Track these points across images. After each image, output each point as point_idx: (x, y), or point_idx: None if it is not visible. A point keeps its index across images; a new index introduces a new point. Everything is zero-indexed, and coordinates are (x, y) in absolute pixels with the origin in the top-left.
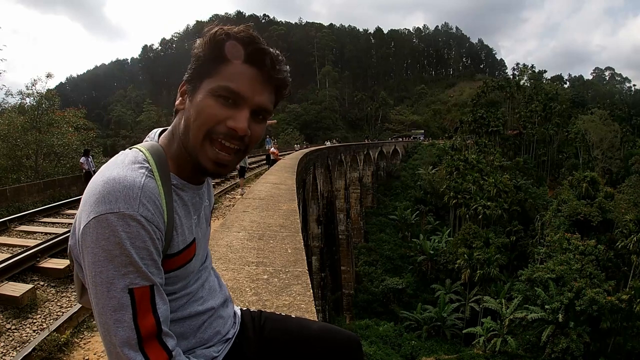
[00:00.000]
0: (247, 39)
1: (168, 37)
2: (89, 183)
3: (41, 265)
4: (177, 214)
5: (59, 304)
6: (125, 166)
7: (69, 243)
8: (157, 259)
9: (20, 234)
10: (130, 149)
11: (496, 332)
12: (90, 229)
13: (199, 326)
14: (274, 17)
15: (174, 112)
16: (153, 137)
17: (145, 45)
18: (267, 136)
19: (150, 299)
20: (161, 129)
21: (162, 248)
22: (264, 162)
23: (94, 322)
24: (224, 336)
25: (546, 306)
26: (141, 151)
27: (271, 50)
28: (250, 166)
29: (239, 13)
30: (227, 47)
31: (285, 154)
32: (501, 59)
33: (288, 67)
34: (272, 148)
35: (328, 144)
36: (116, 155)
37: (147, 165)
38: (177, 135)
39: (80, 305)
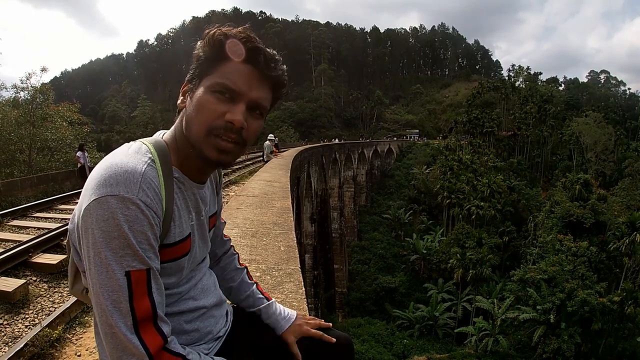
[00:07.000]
0: (243, 38)
1: (164, 32)
2: (93, 170)
3: (34, 261)
4: (176, 206)
5: (51, 299)
6: (128, 154)
7: (68, 227)
8: (154, 244)
9: (13, 228)
10: (134, 142)
11: (488, 332)
12: (91, 210)
13: (189, 322)
14: (270, 14)
15: (177, 111)
16: (158, 135)
17: (141, 41)
18: None
19: (147, 282)
20: (165, 131)
21: (159, 234)
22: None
23: (86, 318)
24: (215, 335)
25: (538, 307)
26: (144, 144)
27: (267, 49)
28: (245, 163)
29: (235, 9)
30: (225, 46)
31: (281, 152)
32: (497, 60)
33: (285, 67)
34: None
35: (336, 141)
36: (120, 147)
37: (149, 155)
38: (180, 131)
39: (73, 301)
